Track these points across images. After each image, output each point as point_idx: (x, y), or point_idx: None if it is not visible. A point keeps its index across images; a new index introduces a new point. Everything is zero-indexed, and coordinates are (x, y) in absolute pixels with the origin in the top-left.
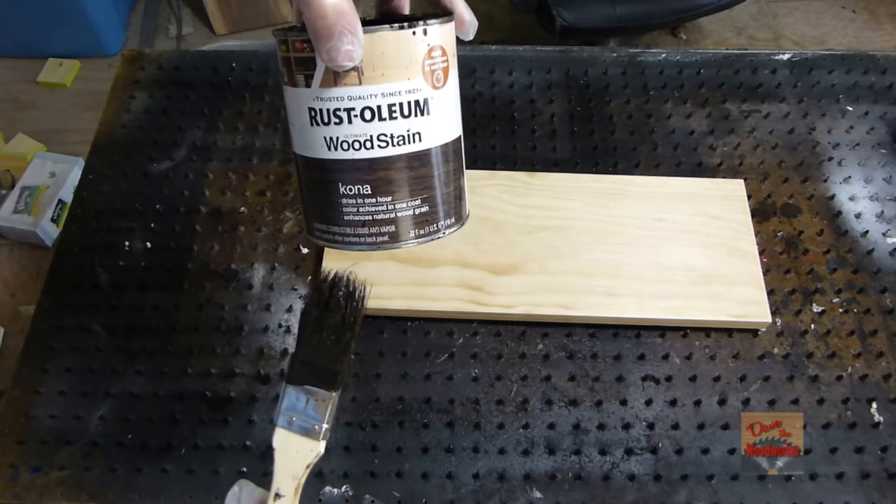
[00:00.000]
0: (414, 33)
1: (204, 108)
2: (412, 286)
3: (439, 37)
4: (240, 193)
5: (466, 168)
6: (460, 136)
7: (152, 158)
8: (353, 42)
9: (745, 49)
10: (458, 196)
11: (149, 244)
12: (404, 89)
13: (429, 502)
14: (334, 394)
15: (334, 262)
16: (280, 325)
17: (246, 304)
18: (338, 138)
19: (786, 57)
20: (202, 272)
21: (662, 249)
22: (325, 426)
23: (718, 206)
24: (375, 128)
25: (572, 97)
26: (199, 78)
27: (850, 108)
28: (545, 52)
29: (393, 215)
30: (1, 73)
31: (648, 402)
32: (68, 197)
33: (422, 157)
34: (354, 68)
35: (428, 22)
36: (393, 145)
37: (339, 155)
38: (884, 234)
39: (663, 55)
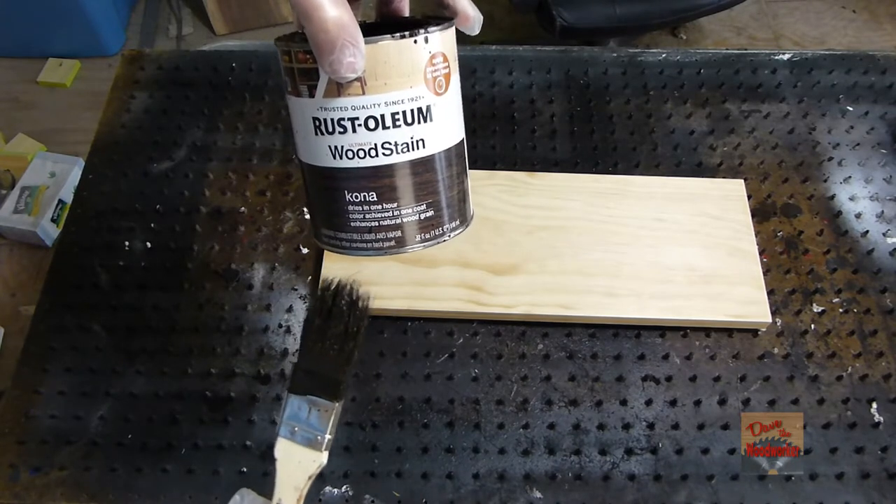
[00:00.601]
0: (415, 42)
1: (204, 108)
2: (412, 286)
3: (440, 43)
4: (240, 193)
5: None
6: (463, 140)
7: (152, 158)
8: (355, 54)
9: (745, 49)
10: (462, 198)
11: (149, 244)
12: (407, 97)
13: (429, 502)
14: (337, 404)
15: (335, 262)
16: (280, 326)
17: (246, 304)
18: (342, 147)
19: (786, 57)
20: (202, 272)
21: (662, 249)
22: (327, 437)
23: (718, 206)
24: (379, 136)
25: (572, 97)
26: (199, 78)
27: (850, 108)
28: (545, 52)
29: (398, 221)
30: (1, 73)
31: (648, 402)
32: (68, 197)
33: (426, 163)
34: (357, 78)
35: (429, 29)
36: (397, 153)
37: (345, 163)
38: (884, 234)
39: (663, 55)
